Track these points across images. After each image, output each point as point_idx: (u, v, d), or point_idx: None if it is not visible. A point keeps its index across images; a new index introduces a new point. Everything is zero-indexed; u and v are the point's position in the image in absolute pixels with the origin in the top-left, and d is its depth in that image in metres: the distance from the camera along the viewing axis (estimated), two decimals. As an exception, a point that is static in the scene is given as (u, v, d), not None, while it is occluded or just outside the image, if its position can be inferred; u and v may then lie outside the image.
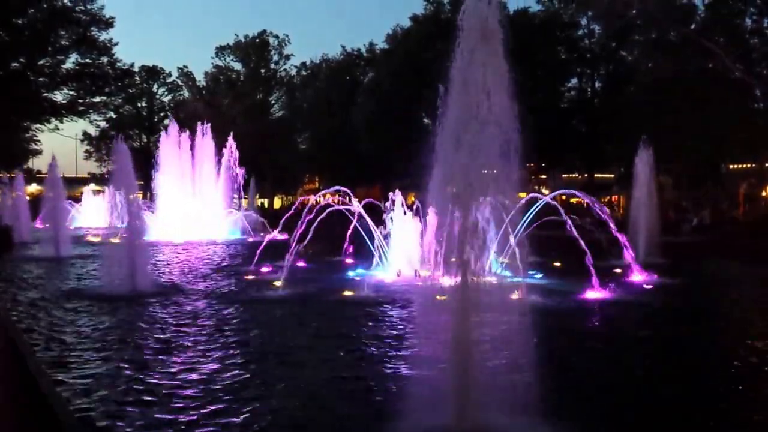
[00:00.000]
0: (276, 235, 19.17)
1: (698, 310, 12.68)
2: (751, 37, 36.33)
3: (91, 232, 32.95)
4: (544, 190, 65.90)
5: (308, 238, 15.81)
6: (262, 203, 65.03)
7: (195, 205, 33.36)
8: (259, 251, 17.12)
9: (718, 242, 26.86)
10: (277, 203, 71.53)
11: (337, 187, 20.87)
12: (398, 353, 8.51)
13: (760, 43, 35.90)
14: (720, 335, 10.51)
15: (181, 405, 6.38)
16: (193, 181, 34.56)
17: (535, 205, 16.18)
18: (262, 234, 33.23)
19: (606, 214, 15.30)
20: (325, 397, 6.82)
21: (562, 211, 14.38)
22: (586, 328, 10.91)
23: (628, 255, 15.73)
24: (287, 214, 18.49)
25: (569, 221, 14.07)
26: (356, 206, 17.85)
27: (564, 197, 59.17)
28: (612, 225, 15.06)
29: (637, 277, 15.67)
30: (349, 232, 17.91)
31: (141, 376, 7.37)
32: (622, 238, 15.33)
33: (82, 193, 49.82)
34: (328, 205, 17.56)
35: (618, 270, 16.29)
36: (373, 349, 8.85)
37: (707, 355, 9.02)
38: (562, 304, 12.39)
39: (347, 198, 19.69)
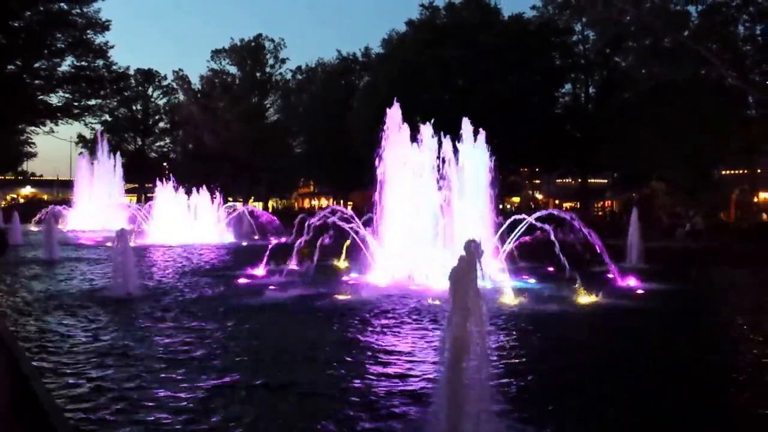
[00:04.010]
0: (273, 239, 19.24)
1: (689, 313, 12.76)
2: (744, 44, 36.64)
3: (84, 235, 32.94)
4: (538, 195, 66.33)
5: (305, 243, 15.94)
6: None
7: (190, 210, 33.50)
8: (266, 254, 17.14)
9: (712, 248, 27.04)
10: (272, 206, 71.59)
11: (333, 207, 20.62)
12: (385, 363, 8.48)
13: (753, 50, 36.21)
14: (715, 338, 10.60)
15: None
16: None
17: (520, 225, 16.33)
18: (256, 237, 33.40)
19: (588, 230, 15.60)
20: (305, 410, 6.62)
21: (550, 228, 14.82)
22: (583, 332, 10.92)
23: (610, 264, 15.87)
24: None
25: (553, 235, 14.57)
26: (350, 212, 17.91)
27: (557, 200, 59.10)
28: (593, 239, 15.36)
29: (631, 282, 15.80)
30: (345, 235, 17.99)
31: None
32: (601, 249, 15.52)
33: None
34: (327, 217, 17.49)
35: (611, 275, 16.41)
36: (357, 356, 8.87)
37: (699, 357, 9.11)
38: (556, 308, 12.46)
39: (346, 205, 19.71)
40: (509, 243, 16.40)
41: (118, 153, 49.88)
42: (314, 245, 16.65)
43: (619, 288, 15.15)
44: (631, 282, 15.82)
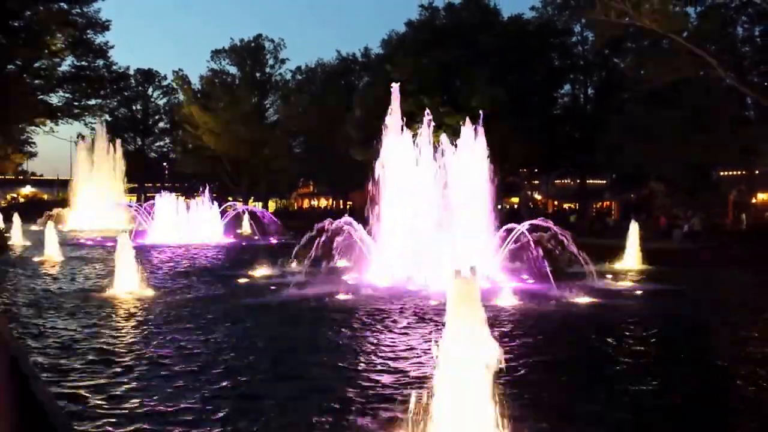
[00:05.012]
0: (273, 239, 19.25)
1: (689, 313, 12.79)
2: (742, 45, 36.66)
3: (84, 235, 32.97)
4: (536, 195, 66.37)
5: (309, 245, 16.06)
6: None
7: (190, 210, 33.64)
8: (272, 253, 17.14)
9: (710, 249, 27.02)
10: (271, 207, 71.55)
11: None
12: (384, 363, 8.50)
13: (751, 52, 36.23)
14: (715, 338, 10.65)
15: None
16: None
17: (511, 236, 16.38)
18: (256, 237, 33.46)
19: (568, 239, 15.78)
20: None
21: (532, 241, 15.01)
22: (582, 332, 10.94)
23: (590, 265, 15.93)
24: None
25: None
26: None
27: (556, 201, 58.77)
28: (572, 247, 15.58)
29: (626, 283, 15.88)
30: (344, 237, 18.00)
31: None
32: (582, 255, 15.65)
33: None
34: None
35: (609, 276, 16.49)
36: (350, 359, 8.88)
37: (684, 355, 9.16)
38: (554, 308, 12.51)
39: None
40: (506, 245, 16.44)
41: (119, 141, 50.12)
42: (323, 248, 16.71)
43: (615, 288, 15.20)
44: (627, 283, 15.89)
